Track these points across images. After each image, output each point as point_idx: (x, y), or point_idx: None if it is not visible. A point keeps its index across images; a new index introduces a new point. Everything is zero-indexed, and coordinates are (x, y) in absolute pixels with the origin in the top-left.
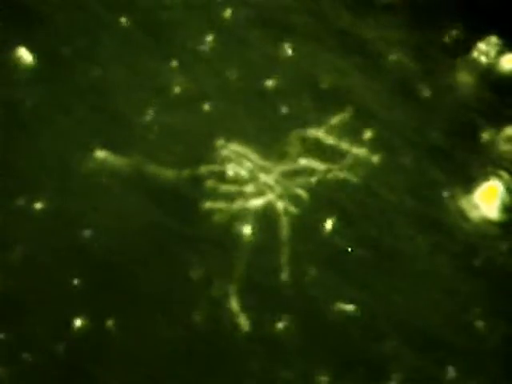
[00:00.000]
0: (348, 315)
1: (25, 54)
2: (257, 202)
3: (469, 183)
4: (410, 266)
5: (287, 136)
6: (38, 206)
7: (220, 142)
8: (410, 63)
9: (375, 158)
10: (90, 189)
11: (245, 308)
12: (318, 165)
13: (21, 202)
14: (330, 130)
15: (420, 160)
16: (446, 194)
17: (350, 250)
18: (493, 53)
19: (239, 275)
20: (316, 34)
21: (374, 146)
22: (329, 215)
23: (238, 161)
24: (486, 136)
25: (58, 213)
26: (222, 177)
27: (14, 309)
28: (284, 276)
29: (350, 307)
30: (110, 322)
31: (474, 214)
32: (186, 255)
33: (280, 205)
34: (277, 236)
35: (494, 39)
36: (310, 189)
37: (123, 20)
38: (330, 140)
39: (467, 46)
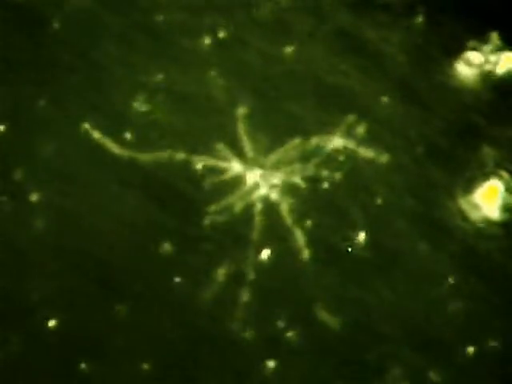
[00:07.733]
0: (348, 315)
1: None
2: (257, 201)
3: (469, 183)
4: (410, 265)
5: (288, 138)
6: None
7: (220, 141)
8: (410, 63)
9: (375, 158)
10: (89, 188)
11: (247, 307)
12: (318, 165)
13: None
14: (331, 131)
15: (420, 160)
16: (445, 194)
17: (349, 249)
18: (492, 52)
19: (241, 273)
20: (316, 34)
21: (373, 145)
22: (328, 215)
23: (239, 160)
24: (485, 135)
25: (58, 213)
26: (221, 175)
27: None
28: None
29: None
30: (109, 321)
31: (474, 214)
32: (186, 254)
33: (279, 205)
34: (276, 235)
35: (493, 39)
36: (309, 189)
37: (123, 21)
38: (330, 141)
39: (467, 45)
